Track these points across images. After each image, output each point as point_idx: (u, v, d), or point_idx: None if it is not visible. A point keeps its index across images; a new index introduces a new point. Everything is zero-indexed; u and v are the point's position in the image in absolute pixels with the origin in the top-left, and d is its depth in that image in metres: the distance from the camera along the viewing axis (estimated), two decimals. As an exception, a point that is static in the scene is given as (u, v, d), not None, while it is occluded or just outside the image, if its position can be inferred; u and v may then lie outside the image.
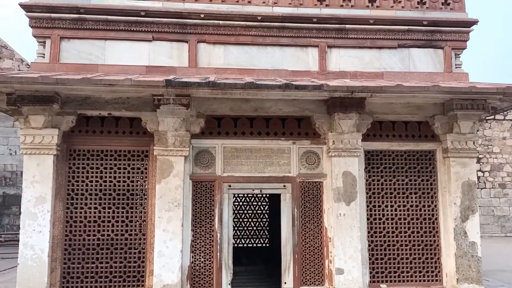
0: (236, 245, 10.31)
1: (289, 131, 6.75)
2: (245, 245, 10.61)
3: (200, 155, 6.56)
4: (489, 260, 10.80)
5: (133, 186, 6.38)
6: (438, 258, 6.68)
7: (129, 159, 6.39)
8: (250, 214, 10.81)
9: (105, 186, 6.31)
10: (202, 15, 6.72)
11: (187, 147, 6.28)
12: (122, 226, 6.29)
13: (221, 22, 6.78)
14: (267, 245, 10.61)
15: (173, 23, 6.70)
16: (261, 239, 10.75)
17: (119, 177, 6.35)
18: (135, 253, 6.28)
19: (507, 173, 19.97)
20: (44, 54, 6.50)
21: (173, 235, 6.12)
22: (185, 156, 6.30)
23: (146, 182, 6.40)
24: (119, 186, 6.34)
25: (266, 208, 10.85)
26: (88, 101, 6.22)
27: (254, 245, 10.66)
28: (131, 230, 6.30)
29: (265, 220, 10.83)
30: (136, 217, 6.34)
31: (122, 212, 6.31)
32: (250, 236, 10.69)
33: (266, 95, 6.11)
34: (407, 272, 6.63)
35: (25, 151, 5.98)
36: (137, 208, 6.36)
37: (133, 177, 6.39)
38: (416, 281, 6.61)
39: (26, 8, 6.43)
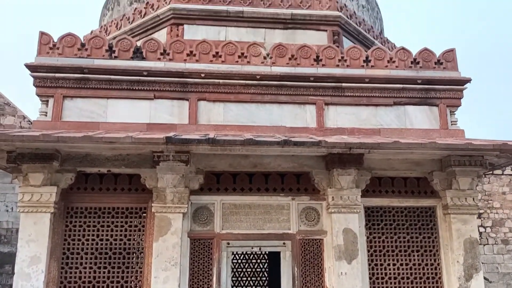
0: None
1: (288, 187, 6.74)
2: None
3: (198, 212, 6.50)
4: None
5: (129, 244, 6.25)
6: (445, 320, 6.44)
7: (127, 216, 6.32)
8: (249, 272, 10.51)
9: (101, 244, 6.19)
10: (202, 74, 6.93)
11: (186, 203, 6.24)
12: (117, 287, 6.09)
13: (221, 81, 6.98)
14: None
15: (174, 82, 6.89)
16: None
17: (116, 235, 6.25)
18: (129, 315, 6.04)
19: (509, 229, 19.68)
20: (46, 113, 6.61)
21: (170, 296, 5.92)
22: (184, 213, 6.24)
23: (143, 240, 6.29)
24: (116, 244, 6.22)
25: (265, 266, 10.57)
26: (88, 158, 6.25)
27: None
28: (126, 291, 6.10)
29: (264, 278, 10.51)
30: (132, 277, 6.16)
31: (118, 272, 6.14)
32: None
33: (265, 151, 6.17)
34: (413, 335, 6.35)
35: (22, 209, 5.92)
36: (133, 267, 6.20)
37: (130, 235, 6.28)
38: None
39: (31, 68, 6.63)
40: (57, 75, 6.67)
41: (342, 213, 6.43)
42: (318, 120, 7.12)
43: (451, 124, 7.24)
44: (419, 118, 7.26)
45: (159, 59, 7.01)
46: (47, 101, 6.67)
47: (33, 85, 6.67)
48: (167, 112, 6.87)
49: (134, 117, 6.75)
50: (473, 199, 6.59)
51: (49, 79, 6.67)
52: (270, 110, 7.12)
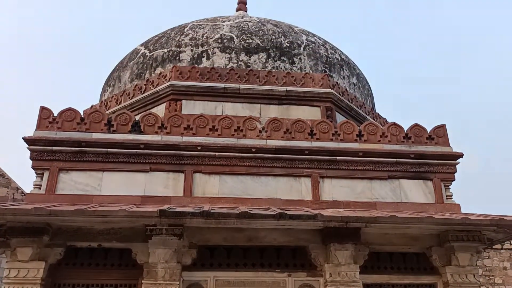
0: None
1: (284, 262, 6.55)
2: None
3: (191, 289, 6.24)
4: None
5: (118, 324, 5.93)
6: None
7: (116, 293, 6.06)
8: None
9: (88, 324, 5.87)
10: (199, 147, 7.02)
11: (177, 280, 6.01)
12: None
13: (217, 153, 7.07)
14: None
15: (170, 154, 6.97)
16: None
17: (104, 317, 5.94)
18: None
19: (512, 305, 18.92)
20: (40, 186, 6.58)
21: None
22: (175, 291, 5.99)
23: (132, 319, 5.97)
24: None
25: None
26: (79, 232, 6.12)
27: None
28: None
29: None
30: None
31: None
32: None
33: (260, 224, 6.09)
34: None
35: (7, 286, 5.67)
36: None
37: (119, 314, 5.98)
38: None
39: (29, 141, 6.70)
40: (54, 148, 6.74)
41: (340, 291, 6.20)
42: (313, 193, 7.11)
43: (447, 198, 7.24)
44: (414, 192, 7.27)
45: (156, 132, 7.14)
46: (42, 174, 6.67)
47: (30, 158, 6.70)
48: (162, 185, 6.86)
49: (128, 190, 6.73)
50: (474, 276, 6.41)
51: (46, 152, 6.73)
52: (265, 182, 7.13)
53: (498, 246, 19.41)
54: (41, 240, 5.78)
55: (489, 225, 5.97)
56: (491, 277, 19.29)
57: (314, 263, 6.50)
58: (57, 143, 6.75)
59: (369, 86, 11.28)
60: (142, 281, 5.97)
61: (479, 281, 6.48)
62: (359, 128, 7.65)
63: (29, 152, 6.71)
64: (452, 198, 7.24)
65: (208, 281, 6.31)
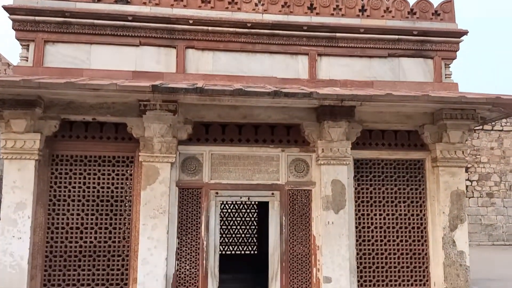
0: (224, 252, 10.17)
1: (278, 138, 6.68)
2: (233, 252, 10.47)
3: (187, 162, 6.45)
4: (476, 269, 10.79)
5: (117, 192, 6.24)
6: (427, 267, 6.63)
7: (114, 165, 6.26)
8: (238, 222, 10.68)
9: (89, 192, 6.17)
10: (191, 21, 6.63)
11: (174, 153, 6.17)
12: (105, 233, 6.13)
13: (210, 28, 6.71)
14: (255, 252, 10.47)
15: (161, 28, 6.61)
16: (249, 247, 10.61)
17: (103, 183, 6.21)
18: (118, 260, 6.12)
19: (495, 183, 20.13)
20: (27, 58, 6.35)
21: (158, 243, 5.99)
22: (172, 163, 6.19)
23: (131, 188, 6.27)
24: (103, 192, 6.20)
25: (254, 216, 10.73)
26: (72, 106, 6.08)
27: (242, 252, 10.52)
28: (115, 237, 6.15)
29: (253, 227, 10.70)
30: (120, 224, 6.20)
31: (106, 219, 6.16)
32: (238, 244, 10.55)
33: (255, 102, 6.05)
34: (395, 280, 6.56)
35: (5, 156, 5.82)
36: (121, 215, 6.22)
37: (117, 183, 6.25)
38: (404, 291, 6.55)
39: (10, 10, 6.29)
40: (37, 18, 6.34)
41: (331, 165, 6.43)
42: (310, 72, 6.94)
43: (445, 77, 7.11)
44: (413, 71, 7.11)
45: (144, 3, 6.68)
46: (28, 45, 6.39)
47: (13, 28, 6.35)
48: (153, 60, 6.63)
49: (119, 65, 6.52)
50: (462, 152, 6.60)
51: (29, 22, 6.35)
52: (261, 60, 6.90)
53: (488, 127, 19.91)
54: (34, 112, 5.76)
55: (485, 103, 5.95)
56: (477, 156, 20.15)
57: (307, 139, 6.63)
58: (40, 13, 6.33)
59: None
60: (139, 154, 6.13)
61: (466, 158, 6.69)
62: (362, 2, 7.17)
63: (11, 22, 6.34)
64: (451, 77, 7.11)
65: (203, 154, 6.50)
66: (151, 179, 6.09)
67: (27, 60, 6.34)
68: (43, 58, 6.36)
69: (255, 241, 10.58)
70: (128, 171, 6.29)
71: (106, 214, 6.18)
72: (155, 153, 6.10)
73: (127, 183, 6.28)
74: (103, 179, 6.21)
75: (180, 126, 6.32)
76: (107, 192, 6.21)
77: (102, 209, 6.18)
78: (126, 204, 6.25)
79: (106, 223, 6.16)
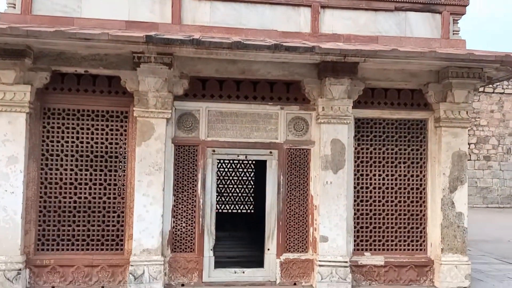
0: (221, 211, 10.18)
1: (277, 95, 6.46)
2: (229, 211, 10.48)
3: (183, 118, 6.26)
4: (470, 231, 10.92)
5: (111, 148, 6.08)
6: (424, 228, 6.61)
7: (108, 119, 6.06)
8: (235, 180, 10.62)
9: (82, 147, 6.00)
10: (187, -34, 6.24)
11: (169, 109, 5.97)
12: (100, 189, 6.03)
13: (207, -25, 6.32)
14: (252, 211, 10.50)
15: (156, -27, 6.21)
16: (246, 205, 10.63)
17: (97, 138, 6.03)
18: (113, 217, 6.05)
19: (493, 146, 20.13)
20: (14, 5, 5.99)
21: (154, 200, 5.90)
22: (167, 119, 6.00)
23: (125, 144, 6.10)
24: (97, 147, 6.04)
25: (251, 175, 10.68)
26: (62, 57, 5.79)
27: (239, 211, 10.54)
28: (110, 194, 6.05)
29: (250, 186, 10.68)
30: (115, 180, 6.08)
31: (100, 175, 6.03)
32: (235, 202, 10.55)
33: (254, 56, 5.79)
34: (392, 241, 6.55)
35: (-5, 108, 5.61)
36: (116, 171, 6.09)
37: (111, 138, 6.07)
38: (400, 250, 6.55)
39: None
40: (23, -39, 5.94)
41: (331, 124, 6.26)
42: (312, 25, 6.62)
43: (453, 34, 6.81)
44: (420, 26, 6.79)
45: None
46: (13, -9, 6.02)
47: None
48: (147, 9, 6.27)
49: (111, 14, 6.14)
50: (467, 113, 6.43)
51: (14, -35, 5.95)
52: (261, 11, 6.56)
53: (489, 89, 19.65)
54: (23, 63, 5.50)
55: (493, 61, 5.71)
56: (477, 119, 20.02)
57: (308, 97, 6.42)
58: (25, -45, 5.93)
59: None
60: (134, 109, 5.92)
61: (470, 118, 6.51)
62: (368, -50, 6.74)
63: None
64: (459, 34, 6.81)
65: (200, 111, 6.30)
66: (146, 135, 5.92)
67: (14, 7, 5.98)
68: (32, 6, 5.99)
69: (251, 200, 10.58)
70: (123, 127, 6.10)
71: (100, 170, 6.04)
72: (150, 109, 5.90)
73: (122, 139, 6.11)
74: (97, 134, 6.03)
75: (176, 81, 6.08)
76: (101, 147, 6.05)
77: (97, 165, 6.04)
78: (121, 161, 6.11)
79: (100, 179, 6.04)
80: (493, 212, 17.90)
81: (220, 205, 10.25)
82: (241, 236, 8.41)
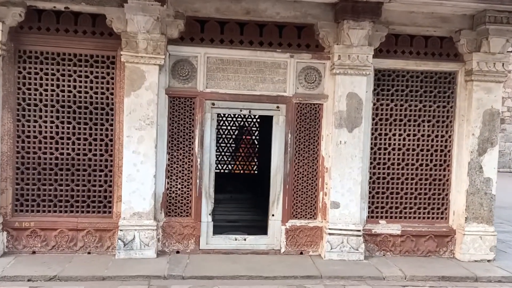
0: (222, 171, 9.55)
1: (286, 41, 5.64)
2: (232, 171, 9.84)
3: (178, 66, 5.49)
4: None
5: (97, 98, 5.34)
6: (447, 195, 5.94)
7: (92, 65, 5.29)
8: (238, 138, 9.91)
9: (63, 96, 5.27)
10: None
11: (163, 54, 5.19)
12: (84, 144, 5.34)
13: None
14: (256, 172, 9.86)
15: None
16: (249, 166, 9.97)
17: (80, 86, 5.29)
18: (100, 176, 5.40)
19: (507, 108, 19.22)
20: None
21: (145, 158, 5.24)
22: (160, 65, 5.23)
23: (112, 94, 5.36)
24: (80, 97, 5.31)
25: (256, 134, 9.96)
26: (37, -10, 4.97)
27: (241, 171, 9.90)
28: (96, 150, 5.38)
29: (254, 145, 9.97)
30: (101, 135, 5.38)
31: (85, 129, 5.33)
32: (237, 163, 9.89)
33: (260, -8, 4.94)
34: (410, 208, 5.91)
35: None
36: (103, 124, 5.38)
37: (96, 87, 5.32)
38: (419, 218, 5.91)
39: None
40: None
41: (348, 75, 5.48)
42: (329, -40, 5.69)
43: (493, -28, 5.87)
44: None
45: None
46: None
47: None
48: None
49: None
50: (503, 65, 5.61)
51: None
52: None
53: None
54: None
55: (545, 2, 4.84)
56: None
57: (322, 43, 5.61)
58: None
59: None
60: (121, 53, 5.15)
61: (506, 71, 5.70)
62: None
63: None
64: (501, -29, 5.87)
65: (198, 57, 5.52)
66: (136, 84, 5.17)
67: None
68: None
69: (255, 161, 9.91)
70: (109, 74, 5.34)
71: (84, 123, 5.34)
72: (140, 53, 5.12)
73: (108, 88, 5.36)
74: (80, 81, 5.28)
75: (170, 21, 5.27)
76: (85, 97, 5.31)
77: (80, 117, 5.32)
78: (108, 113, 5.39)
79: (85, 133, 5.34)
80: (506, 177, 17.24)
81: (222, 165, 9.61)
82: (243, 199, 7.83)
